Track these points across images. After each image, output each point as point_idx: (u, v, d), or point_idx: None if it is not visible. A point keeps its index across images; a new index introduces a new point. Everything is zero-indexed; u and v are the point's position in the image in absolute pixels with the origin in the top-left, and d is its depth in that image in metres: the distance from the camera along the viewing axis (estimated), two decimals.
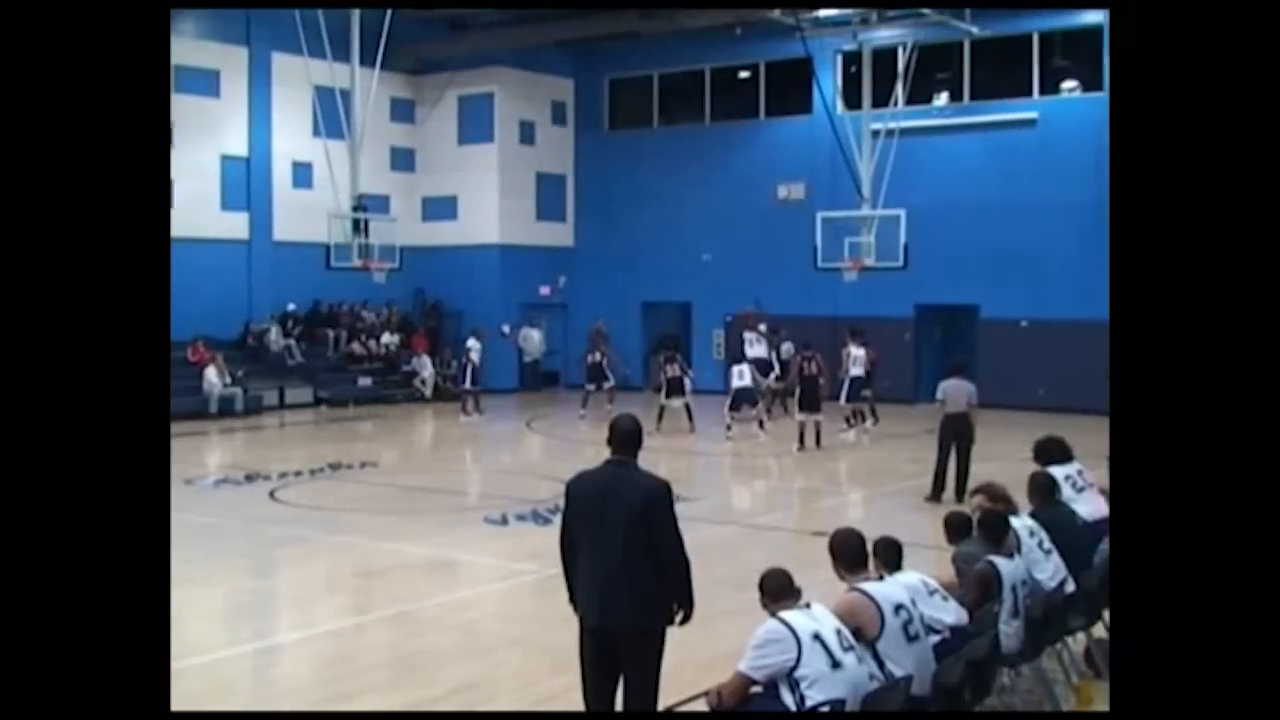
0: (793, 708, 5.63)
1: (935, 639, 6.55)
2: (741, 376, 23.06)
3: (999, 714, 7.31)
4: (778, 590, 6.02)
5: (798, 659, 5.63)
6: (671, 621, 6.34)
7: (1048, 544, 8.17)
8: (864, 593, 6.29)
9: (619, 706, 6.34)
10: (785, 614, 5.81)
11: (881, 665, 6.11)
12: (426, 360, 30.15)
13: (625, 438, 6.43)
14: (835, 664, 5.65)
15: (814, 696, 5.60)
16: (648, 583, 6.23)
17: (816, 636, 5.69)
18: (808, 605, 5.99)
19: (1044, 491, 9.14)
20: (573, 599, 6.50)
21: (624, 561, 6.18)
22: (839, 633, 5.80)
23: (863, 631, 6.12)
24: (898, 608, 6.28)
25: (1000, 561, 7.49)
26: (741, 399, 22.90)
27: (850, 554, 6.47)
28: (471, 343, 27.19)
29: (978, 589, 7.41)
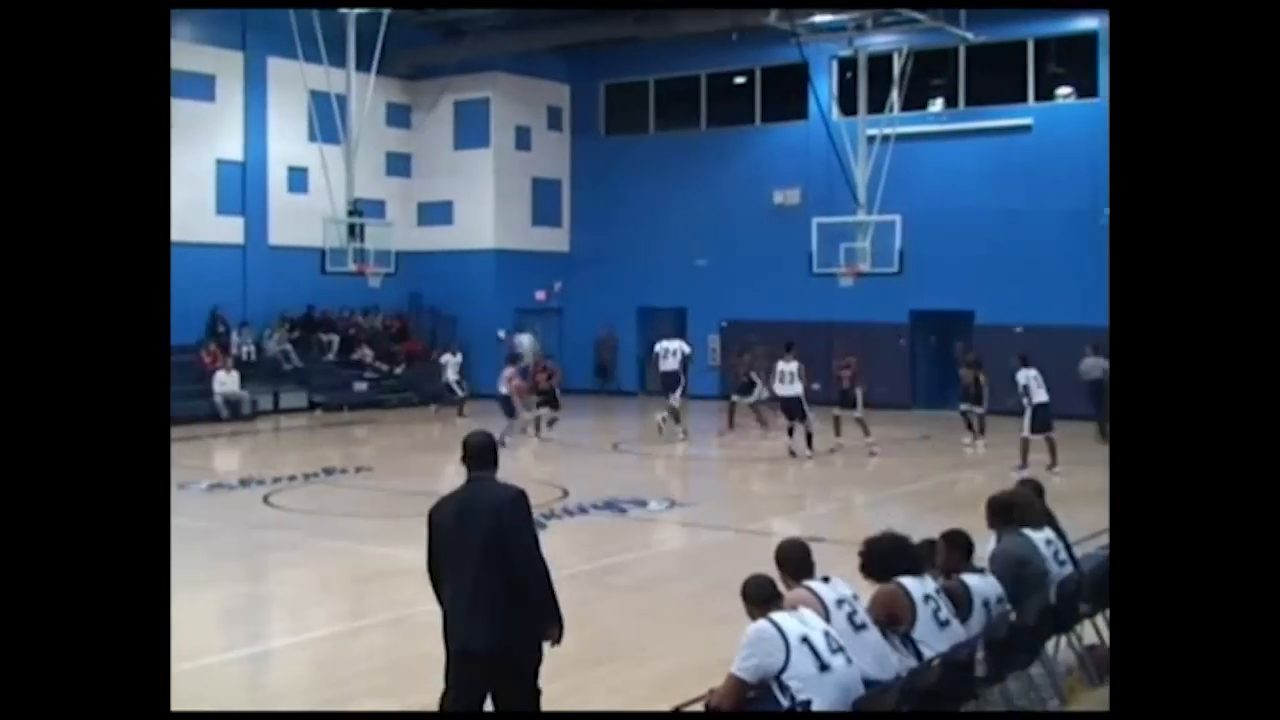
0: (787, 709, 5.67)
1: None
2: (788, 381, 21.19)
3: (991, 713, 7.30)
4: (765, 598, 6.03)
5: (786, 661, 5.65)
6: (540, 649, 6.08)
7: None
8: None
9: None
10: (775, 615, 5.85)
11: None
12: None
13: (478, 452, 6.22)
14: (824, 667, 5.68)
15: (804, 699, 5.62)
16: (508, 604, 5.93)
17: (805, 640, 5.72)
18: (826, 579, 6.33)
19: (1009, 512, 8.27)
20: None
21: (483, 580, 5.93)
22: (827, 635, 5.84)
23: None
24: (926, 597, 6.59)
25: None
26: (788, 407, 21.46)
27: (796, 563, 6.53)
28: (448, 357, 27.37)
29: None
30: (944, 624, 6.65)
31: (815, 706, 5.59)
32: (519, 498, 6.12)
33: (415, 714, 8.06)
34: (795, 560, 6.51)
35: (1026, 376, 19.22)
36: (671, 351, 24.02)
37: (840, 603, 6.28)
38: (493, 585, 5.93)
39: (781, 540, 6.71)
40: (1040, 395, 19.13)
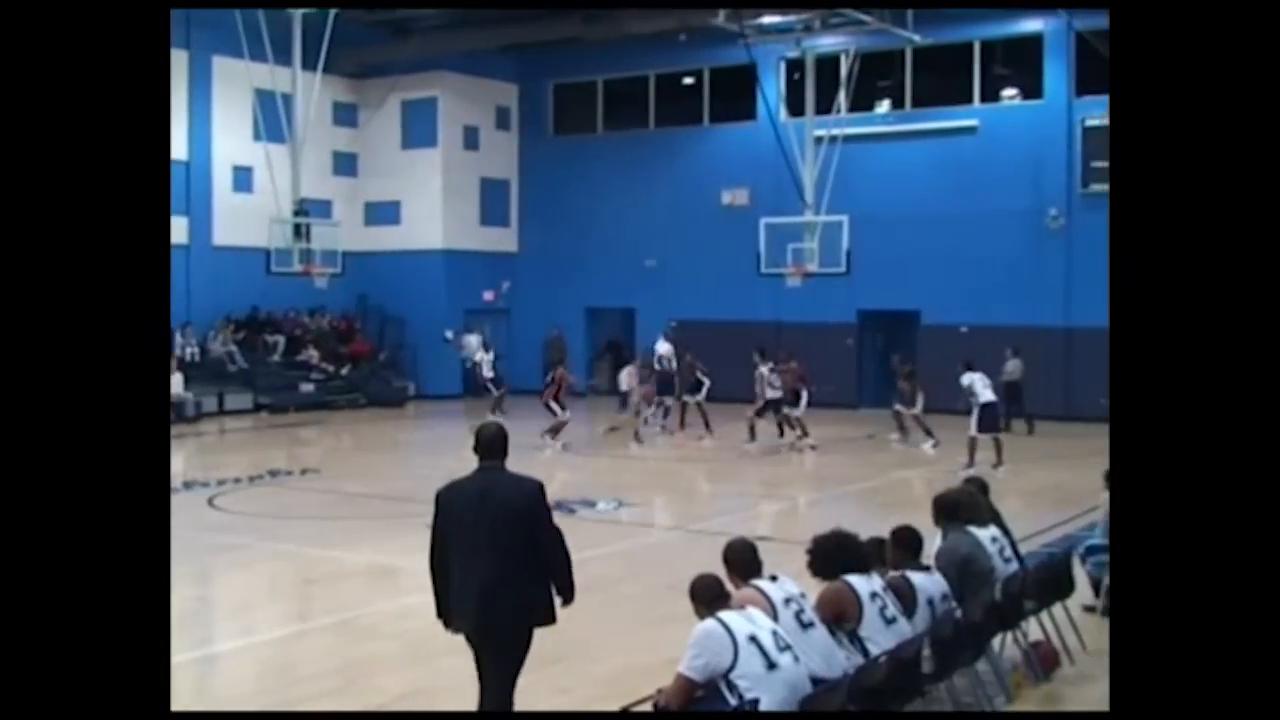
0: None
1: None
2: (776, 385, 22.15)
3: (944, 713, 7.36)
4: (712, 597, 6.08)
5: (734, 660, 5.69)
6: (554, 617, 6.50)
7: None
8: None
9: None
10: (723, 614, 5.89)
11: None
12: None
13: (491, 443, 6.57)
14: (771, 665, 5.72)
15: (752, 698, 5.66)
16: (529, 580, 6.39)
17: (753, 639, 5.76)
18: (773, 578, 6.38)
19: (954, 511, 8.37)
20: (443, 611, 6.63)
21: (508, 562, 6.30)
22: (775, 634, 5.88)
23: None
24: (873, 595, 6.71)
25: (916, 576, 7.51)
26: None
27: (744, 563, 6.58)
28: (480, 355, 26.68)
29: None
30: (891, 621, 6.74)
31: (763, 705, 5.62)
32: (543, 490, 6.52)
33: (389, 714, 8.06)
34: (743, 559, 6.55)
35: (970, 379, 19.39)
36: (664, 356, 24.90)
37: (788, 601, 6.32)
38: (519, 568, 6.32)
39: (729, 540, 6.75)
40: (986, 395, 19.30)
